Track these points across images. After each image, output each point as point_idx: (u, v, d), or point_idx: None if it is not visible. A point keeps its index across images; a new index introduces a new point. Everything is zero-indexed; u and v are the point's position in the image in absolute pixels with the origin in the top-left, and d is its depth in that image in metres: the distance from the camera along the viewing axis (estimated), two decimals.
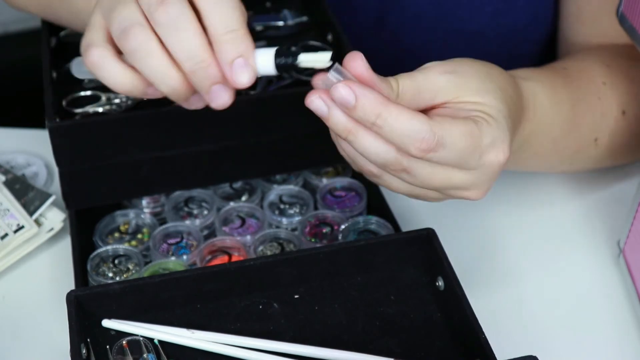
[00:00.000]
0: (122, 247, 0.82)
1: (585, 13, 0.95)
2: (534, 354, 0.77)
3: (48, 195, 0.87)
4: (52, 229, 0.86)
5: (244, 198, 0.87)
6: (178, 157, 0.82)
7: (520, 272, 0.85)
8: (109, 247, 0.82)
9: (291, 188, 0.88)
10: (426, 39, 1.04)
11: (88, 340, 0.70)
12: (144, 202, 0.87)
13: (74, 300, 0.70)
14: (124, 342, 0.70)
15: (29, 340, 0.79)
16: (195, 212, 0.86)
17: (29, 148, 0.97)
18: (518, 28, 1.02)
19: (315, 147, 0.85)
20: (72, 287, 0.79)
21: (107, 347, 0.70)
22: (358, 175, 0.90)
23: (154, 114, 0.79)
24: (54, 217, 0.86)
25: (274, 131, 0.82)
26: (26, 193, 0.87)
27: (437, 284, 0.74)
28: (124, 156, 0.80)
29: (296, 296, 0.74)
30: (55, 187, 0.90)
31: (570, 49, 0.99)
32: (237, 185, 0.89)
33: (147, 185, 0.84)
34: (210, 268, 0.73)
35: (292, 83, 0.87)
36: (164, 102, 0.84)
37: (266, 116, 0.82)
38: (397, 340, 0.71)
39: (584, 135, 0.85)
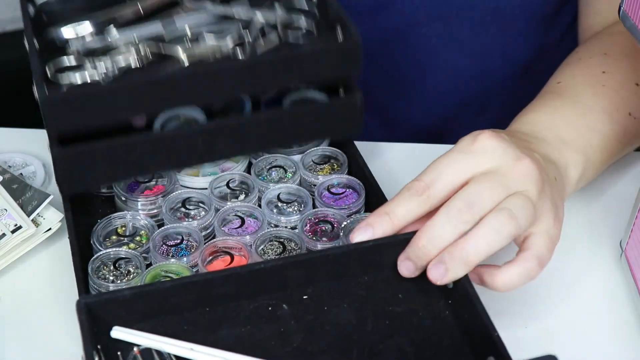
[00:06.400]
0: (123, 250, 0.81)
1: None
2: (535, 355, 0.78)
3: (46, 195, 0.86)
4: (49, 229, 0.85)
5: (241, 198, 0.87)
6: (172, 136, 0.83)
7: None
8: (110, 250, 0.81)
9: (289, 186, 0.88)
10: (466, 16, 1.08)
11: (99, 347, 0.69)
12: (140, 204, 0.86)
13: (84, 308, 0.69)
14: (135, 350, 0.70)
15: (26, 340, 0.79)
16: (192, 213, 0.86)
17: (27, 148, 0.96)
18: None
19: (306, 120, 0.88)
20: (70, 287, 0.77)
21: (118, 353, 0.70)
22: (355, 172, 0.90)
23: (148, 82, 0.80)
24: (52, 217, 0.86)
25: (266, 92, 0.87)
26: (24, 193, 0.86)
27: None
28: (116, 124, 0.81)
29: (305, 297, 0.74)
30: (53, 186, 0.89)
31: (587, 20, 1.04)
32: (234, 184, 0.88)
33: (141, 166, 0.84)
34: (220, 272, 0.73)
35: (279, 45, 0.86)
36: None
37: (256, 81, 0.83)
38: (407, 339, 0.72)
39: (619, 109, 0.88)
